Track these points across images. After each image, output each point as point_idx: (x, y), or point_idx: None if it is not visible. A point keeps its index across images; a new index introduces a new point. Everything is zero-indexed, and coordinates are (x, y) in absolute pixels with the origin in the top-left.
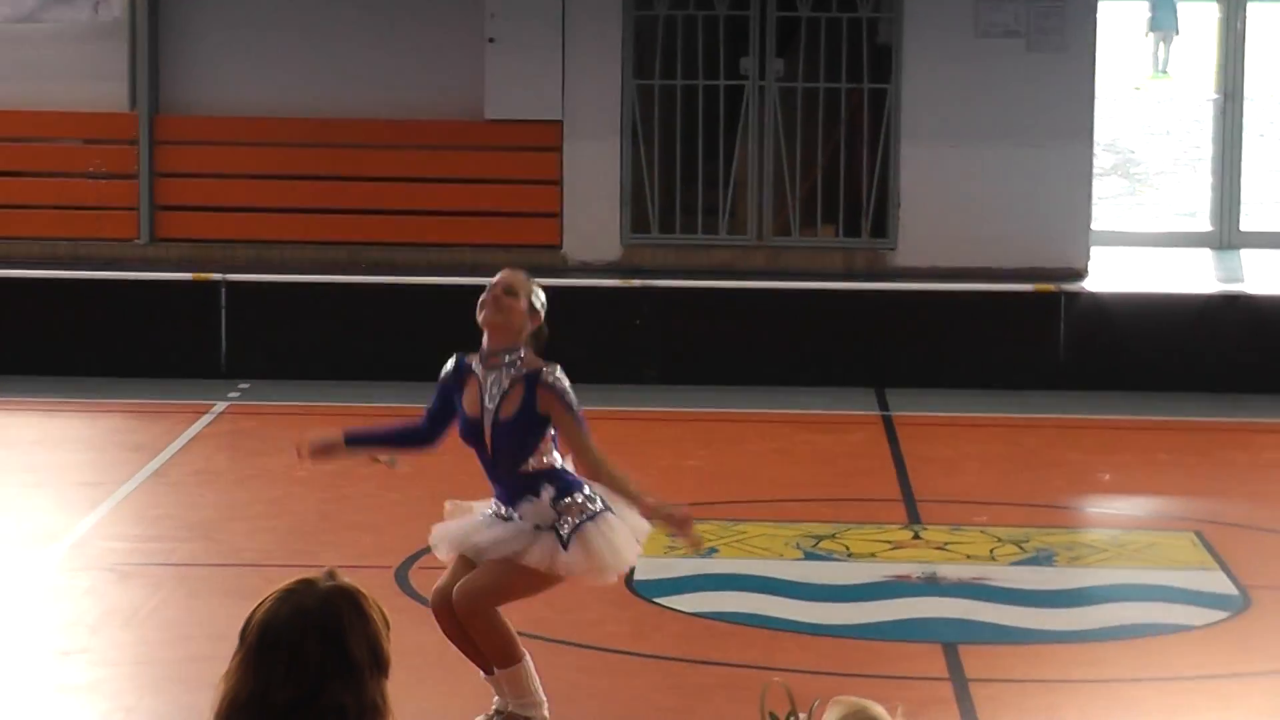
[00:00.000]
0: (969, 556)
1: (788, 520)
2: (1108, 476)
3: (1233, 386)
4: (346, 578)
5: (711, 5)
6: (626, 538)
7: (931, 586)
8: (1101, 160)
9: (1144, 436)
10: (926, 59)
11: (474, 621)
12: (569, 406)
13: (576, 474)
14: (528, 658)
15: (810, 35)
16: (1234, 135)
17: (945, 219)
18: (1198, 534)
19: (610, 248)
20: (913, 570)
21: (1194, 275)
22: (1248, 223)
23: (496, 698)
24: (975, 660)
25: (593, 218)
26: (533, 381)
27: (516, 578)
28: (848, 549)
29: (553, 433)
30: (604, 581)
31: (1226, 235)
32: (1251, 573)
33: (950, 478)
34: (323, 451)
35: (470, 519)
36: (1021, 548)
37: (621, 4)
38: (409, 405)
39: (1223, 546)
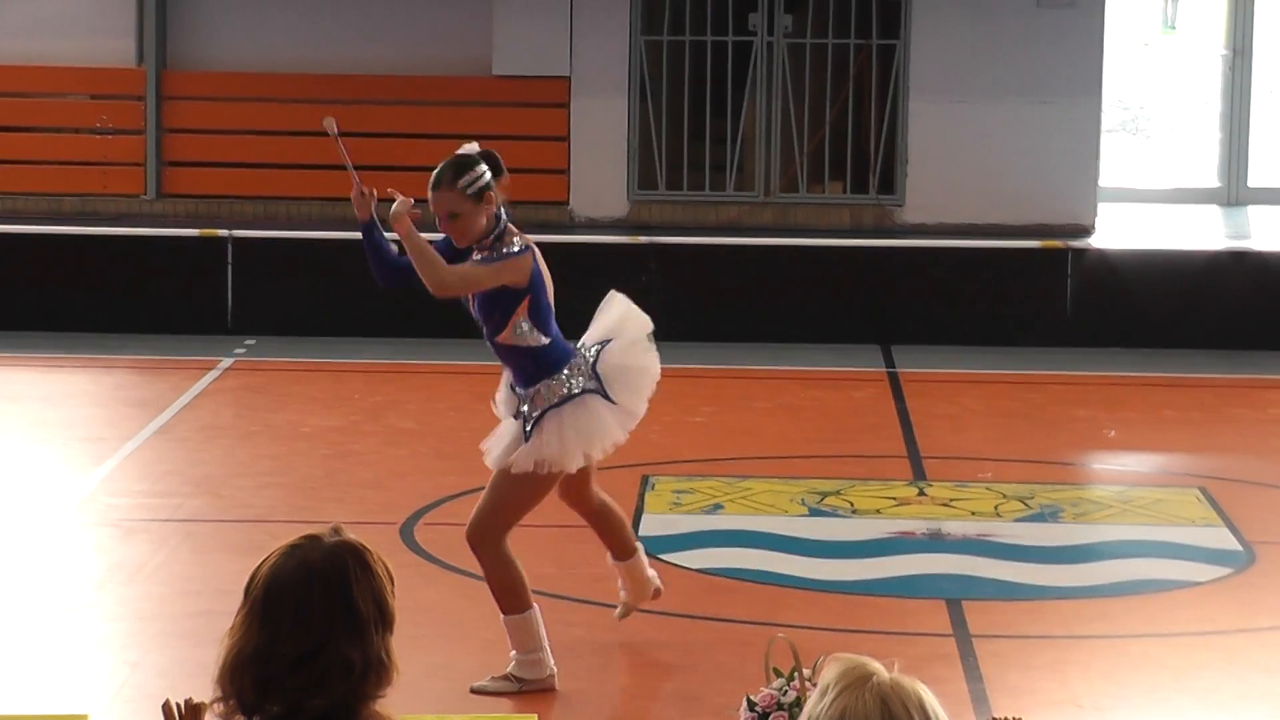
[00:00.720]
0: (974, 513)
1: (793, 477)
2: (1113, 433)
3: (1239, 343)
4: (352, 534)
5: None
6: (597, 422)
7: (936, 543)
8: (1110, 116)
9: (1150, 393)
10: (935, 15)
11: (479, 554)
12: (486, 261)
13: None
14: (535, 610)
15: None
16: (1243, 91)
17: (953, 175)
18: (1203, 490)
19: (617, 204)
20: (917, 527)
21: (1201, 232)
22: (1256, 179)
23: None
24: (979, 616)
25: (600, 174)
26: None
27: (508, 489)
28: (852, 505)
29: (525, 308)
30: (574, 467)
31: (1234, 191)
32: (1256, 529)
33: (956, 434)
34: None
35: (501, 426)
36: (1026, 504)
37: None
38: (414, 362)
39: (1228, 503)
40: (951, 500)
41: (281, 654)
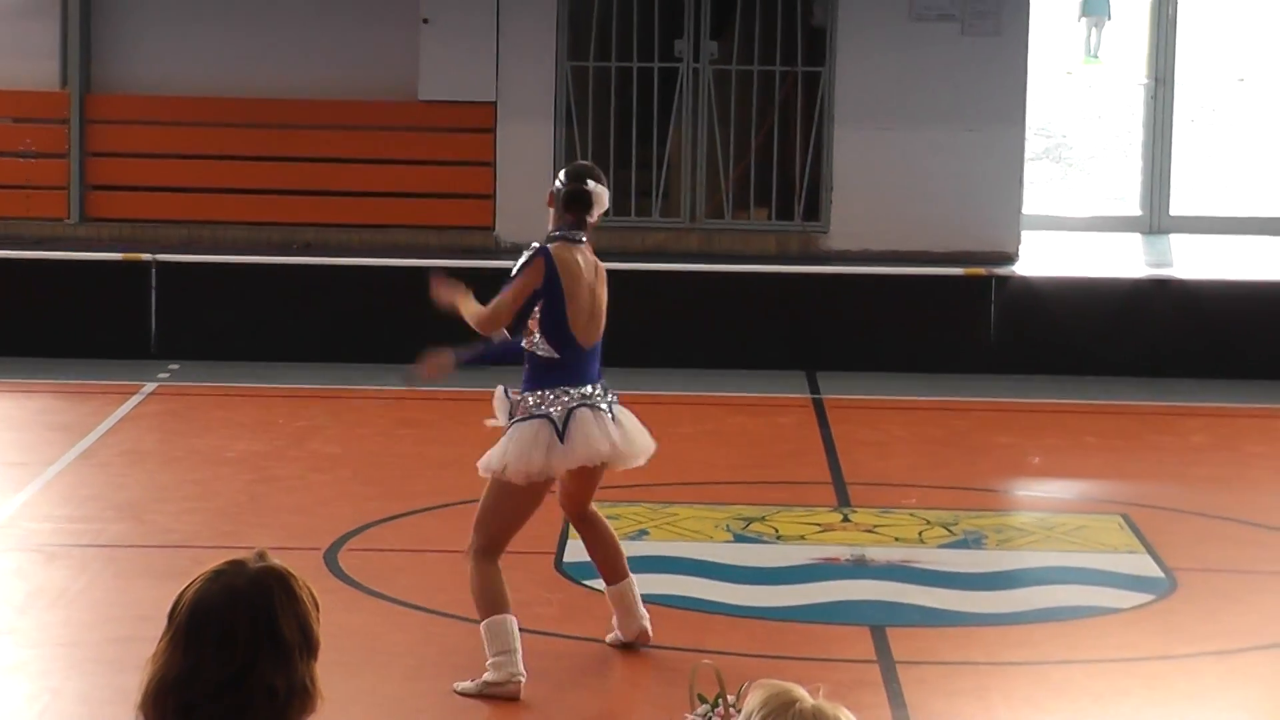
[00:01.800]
0: (898, 539)
1: (718, 503)
2: (1037, 460)
3: (1161, 370)
4: (276, 559)
5: None
6: (530, 445)
7: (860, 569)
8: (1033, 144)
9: (1073, 420)
10: (860, 42)
11: (468, 559)
12: (508, 281)
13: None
14: (506, 618)
15: (745, 18)
16: (1164, 120)
17: (878, 202)
18: (1125, 517)
19: (543, 229)
20: (841, 553)
21: (1124, 259)
22: (1177, 207)
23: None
24: (903, 642)
25: (525, 199)
26: None
27: (485, 494)
28: (777, 531)
29: (539, 315)
30: (518, 479)
31: (1156, 219)
32: (1178, 556)
33: (880, 460)
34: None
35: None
36: (950, 530)
37: None
38: (339, 387)
39: (1150, 530)
40: (876, 526)
41: (205, 680)
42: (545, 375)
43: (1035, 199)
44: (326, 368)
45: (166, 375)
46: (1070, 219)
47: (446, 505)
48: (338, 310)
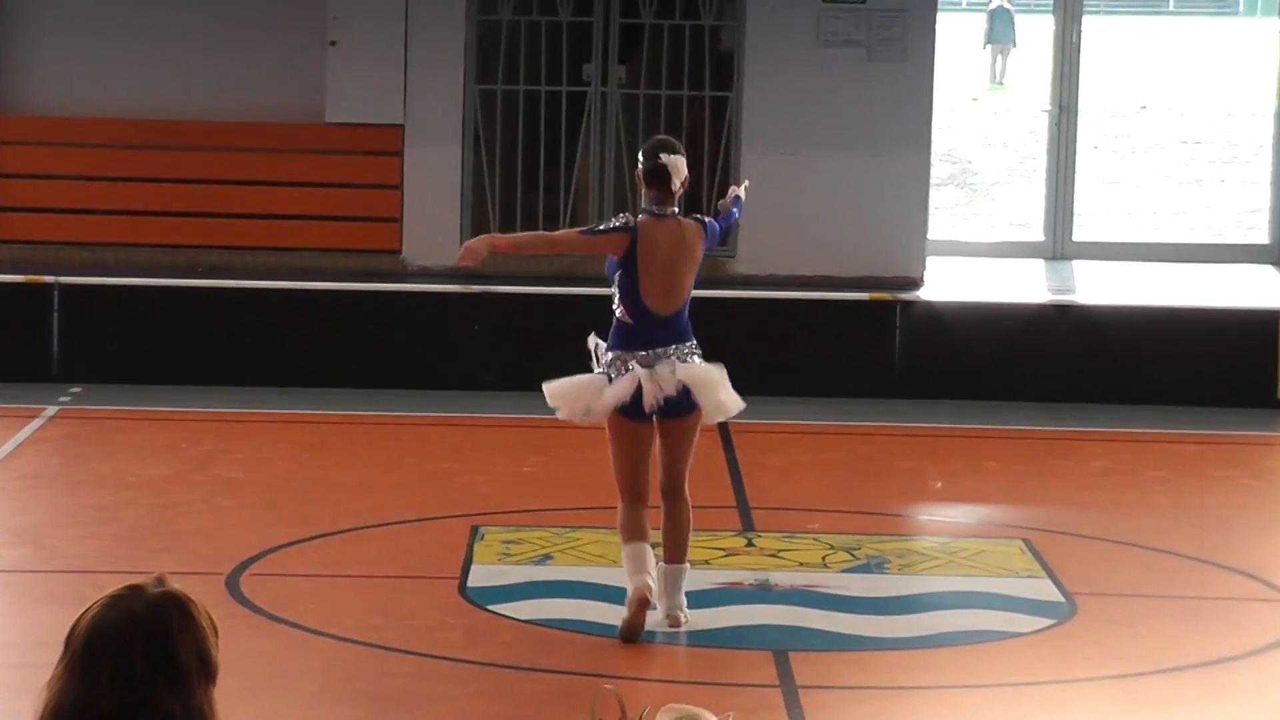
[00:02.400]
0: (801, 564)
1: None
2: (939, 484)
3: (1063, 396)
4: (176, 584)
5: (555, 11)
6: (590, 391)
7: (763, 593)
8: (938, 170)
9: (975, 445)
10: (768, 67)
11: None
12: (588, 231)
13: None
14: (630, 544)
15: (653, 42)
16: (1068, 147)
17: (784, 227)
18: (1026, 542)
19: (450, 253)
20: (745, 577)
21: (1027, 285)
22: (1080, 233)
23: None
24: (805, 667)
25: (433, 223)
26: None
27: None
28: None
29: (616, 281)
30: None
31: (1059, 246)
32: (1078, 580)
33: (784, 485)
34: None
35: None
36: (853, 555)
37: (465, 9)
38: (244, 411)
39: (1050, 554)
40: (779, 551)
41: (101, 706)
42: (622, 337)
43: (940, 225)
44: (231, 391)
45: (69, 398)
46: (975, 245)
47: (351, 530)
48: (243, 334)
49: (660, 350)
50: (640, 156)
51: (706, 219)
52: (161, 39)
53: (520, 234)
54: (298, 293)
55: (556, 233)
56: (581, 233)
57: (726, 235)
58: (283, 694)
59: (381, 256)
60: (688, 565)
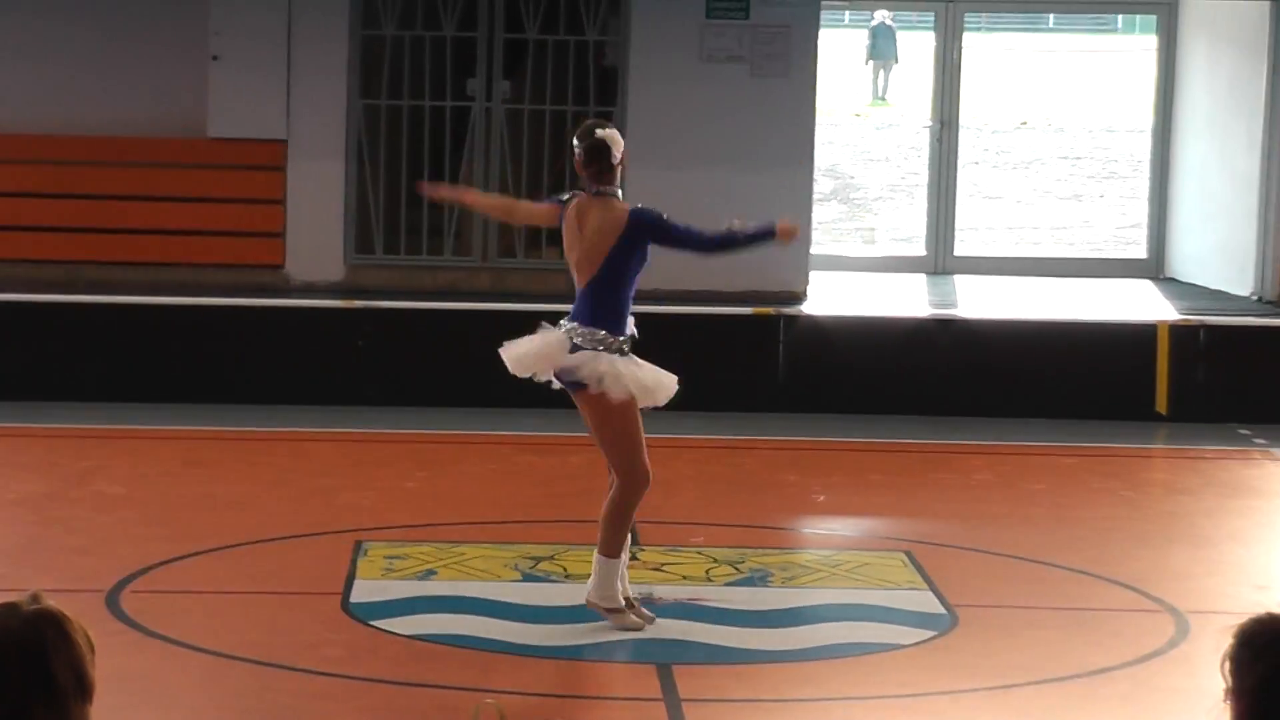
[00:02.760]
0: (685, 577)
1: (506, 542)
2: (822, 498)
3: (945, 409)
4: (52, 601)
5: (439, 26)
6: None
7: (647, 607)
8: (821, 185)
9: (858, 458)
10: (652, 82)
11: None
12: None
13: None
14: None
15: (537, 57)
16: (949, 162)
17: None
18: (908, 554)
19: (334, 268)
20: (629, 591)
21: (909, 299)
22: (961, 248)
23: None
24: (689, 680)
25: (316, 238)
26: None
27: None
28: (565, 570)
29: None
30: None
31: (941, 260)
32: (959, 592)
33: (668, 499)
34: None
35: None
36: (737, 568)
37: (348, 23)
38: (124, 426)
39: (932, 567)
40: (663, 565)
41: None
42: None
43: (823, 240)
44: (112, 407)
45: None
46: (857, 259)
47: (233, 546)
48: (124, 349)
49: (567, 324)
50: (575, 140)
51: (648, 212)
52: (42, 54)
53: (487, 197)
54: (180, 308)
55: (516, 201)
56: (535, 203)
57: (720, 245)
58: (162, 711)
59: (265, 271)
60: (600, 558)
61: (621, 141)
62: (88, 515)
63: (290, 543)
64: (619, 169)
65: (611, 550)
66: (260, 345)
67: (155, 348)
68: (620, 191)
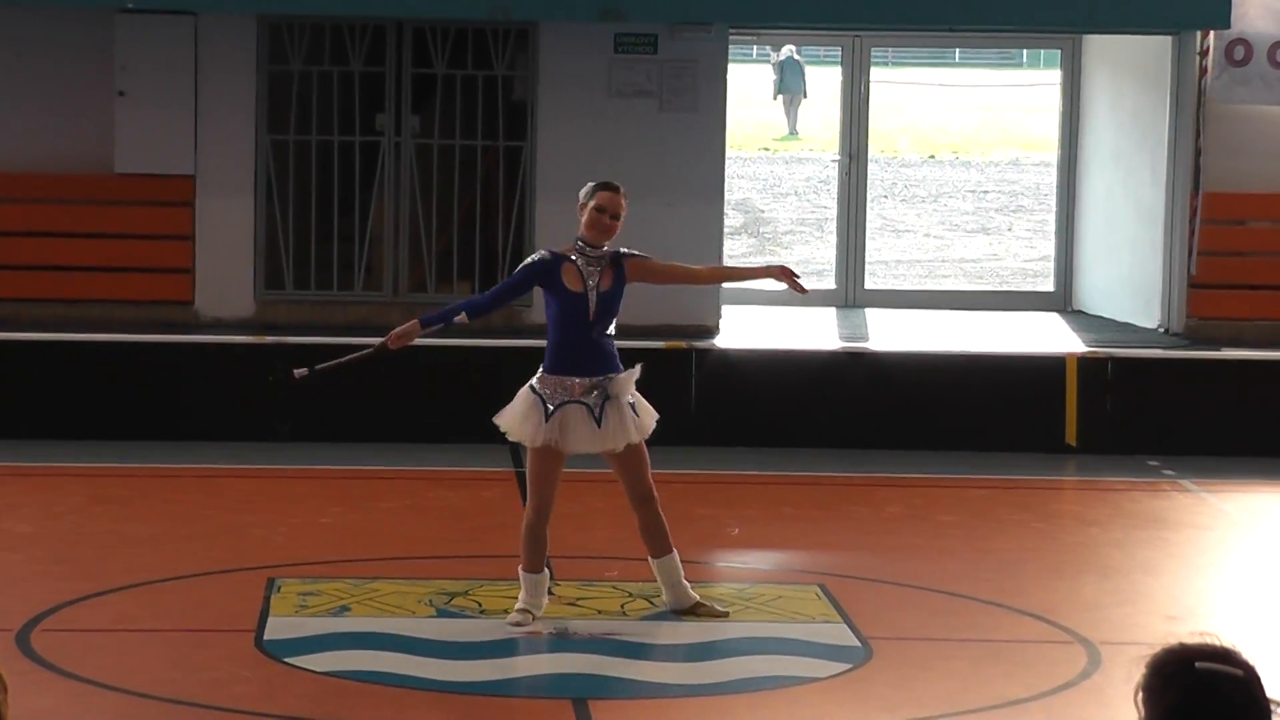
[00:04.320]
0: (600, 611)
1: (420, 577)
2: (736, 531)
3: (857, 441)
4: None
5: (347, 61)
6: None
7: (563, 641)
8: (731, 219)
9: (771, 491)
10: (561, 116)
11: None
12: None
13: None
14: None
15: (446, 92)
16: (858, 196)
17: None
18: (822, 587)
19: (244, 304)
20: (544, 626)
21: (820, 333)
22: (871, 282)
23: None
24: (605, 715)
25: (226, 273)
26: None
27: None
28: (480, 605)
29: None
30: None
31: (851, 294)
32: (873, 625)
33: (582, 533)
34: (402, 338)
35: (572, 417)
36: (652, 602)
37: (255, 59)
38: (32, 464)
39: (846, 599)
40: (578, 599)
41: None
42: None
43: None
44: (20, 445)
45: None
46: (768, 293)
47: (145, 584)
48: (32, 386)
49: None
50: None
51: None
52: None
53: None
54: (88, 344)
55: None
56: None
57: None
58: None
59: (174, 307)
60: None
61: (582, 194)
62: None
63: (202, 580)
64: (581, 219)
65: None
66: (170, 381)
67: (64, 384)
68: (576, 238)
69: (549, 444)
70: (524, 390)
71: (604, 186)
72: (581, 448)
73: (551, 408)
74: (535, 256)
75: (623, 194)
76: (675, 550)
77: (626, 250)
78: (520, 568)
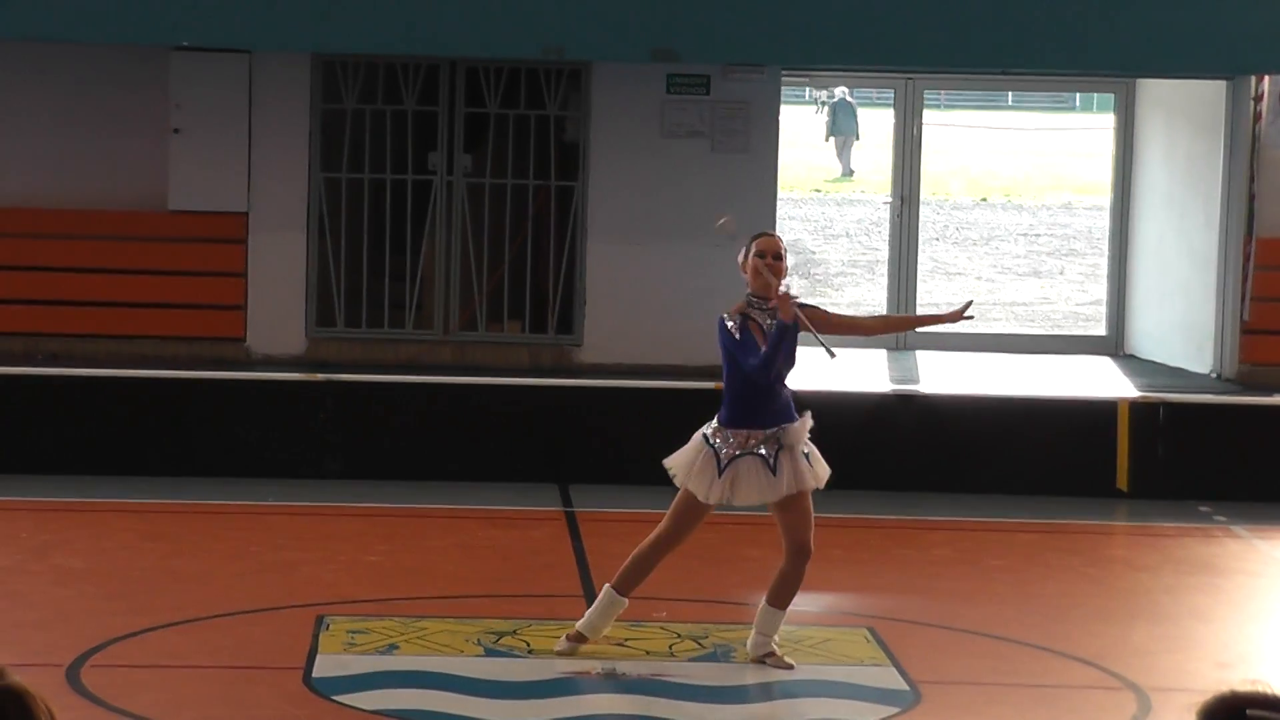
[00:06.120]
0: (648, 653)
1: (469, 616)
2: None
3: (906, 484)
4: (15, 676)
5: (400, 100)
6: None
7: (611, 682)
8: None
9: (820, 533)
10: (613, 157)
11: (805, 562)
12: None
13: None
14: None
15: (498, 131)
16: (909, 238)
17: (630, 316)
18: (871, 630)
19: (295, 341)
20: (592, 666)
21: (870, 375)
22: None
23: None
24: None
25: (277, 310)
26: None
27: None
28: (528, 645)
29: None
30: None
31: (903, 336)
32: (922, 668)
33: None
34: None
35: (745, 470)
36: (700, 644)
37: (309, 97)
38: (83, 500)
39: (894, 642)
40: (626, 640)
41: None
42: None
43: None
44: (72, 480)
45: None
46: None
47: (194, 620)
48: (84, 421)
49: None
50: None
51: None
52: (3, 125)
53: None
54: (140, 380)
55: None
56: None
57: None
58: None
59: (226, 344)
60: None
61: (739, 256)
62: (47, 589)
63: (251, 617)
64: (745, 271)
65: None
66: (221, 418)
67: (115, 420)
68: (747, 295)
69: (721, 501)
70: (697, 439)
71: (759, 236)
72: (753, 499)
73: (725, 463)
74: (735, 320)
75: (778, 237)
76: (787, 610)
77: (799, 300)
78: (609, 583)
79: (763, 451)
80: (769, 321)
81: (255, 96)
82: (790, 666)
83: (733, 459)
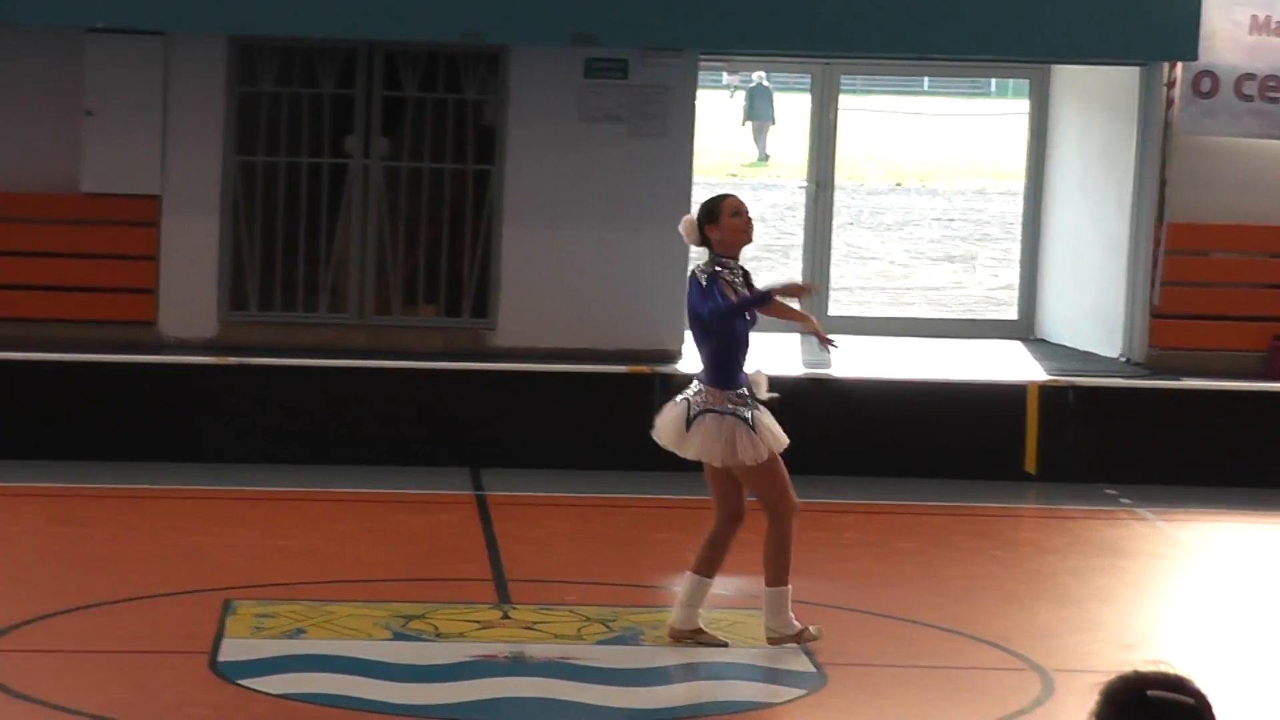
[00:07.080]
0: (557, 636)
1: (377, 600)
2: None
3: (817, 468)
4: None
5: (317, 83)
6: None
7: (519, 666)
8: None
9: None
10: (530, 141)
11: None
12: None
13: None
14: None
15: (416, 115)
16: (824, 222)
17: (545, 300)
18: None
19: (207, 325)
20: (500, 650)
21: (783, 359)
22: (835, 308)
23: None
24: None
25: (190, 294)
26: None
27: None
28: (436, 629)
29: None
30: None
31: (817, 319)
32: (829, 651)
33: (541, 557)
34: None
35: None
36: (609, 627)
37: (224, 80)
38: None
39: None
40: (535, 623)
41: None
42: None
43: None
44: None
45: None
46: None
47: (100, 605)
48: None
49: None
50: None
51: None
52: None
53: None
54: (49, 364)
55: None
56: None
57: (721, 316)
58: None
59: (137, 328)
60: (770, 591)
61: (700, 215)
62: None
63: (158, 601)
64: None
65: (781, 580)
66: (132, 402)
67: (24, 403)
68: (712, 257)
69: (773, 450)
70: (714, 418)
71: (723, 197)
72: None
73: (693, 415)
74: (711, 271)
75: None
76: (712, 580)
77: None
78: (766, 584)
79: (730, 408)
80: (738, 281)
81: (170, 79)
82: (725, 644)
83: (700, 413)
